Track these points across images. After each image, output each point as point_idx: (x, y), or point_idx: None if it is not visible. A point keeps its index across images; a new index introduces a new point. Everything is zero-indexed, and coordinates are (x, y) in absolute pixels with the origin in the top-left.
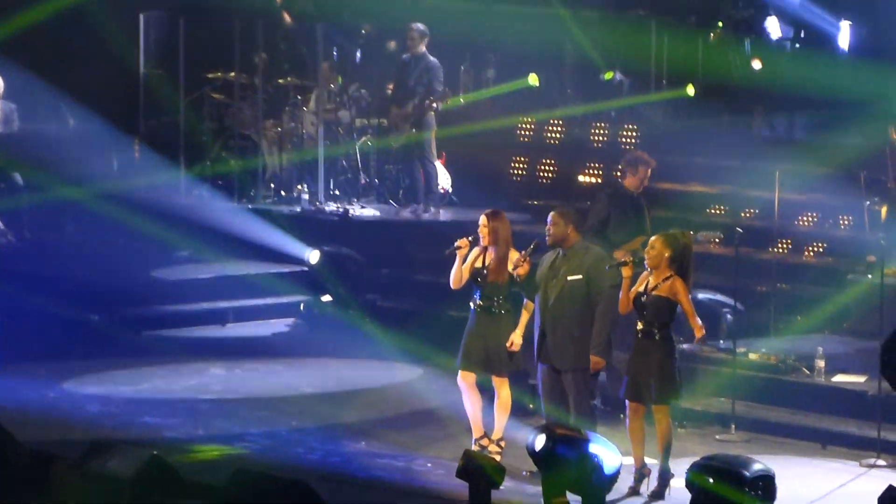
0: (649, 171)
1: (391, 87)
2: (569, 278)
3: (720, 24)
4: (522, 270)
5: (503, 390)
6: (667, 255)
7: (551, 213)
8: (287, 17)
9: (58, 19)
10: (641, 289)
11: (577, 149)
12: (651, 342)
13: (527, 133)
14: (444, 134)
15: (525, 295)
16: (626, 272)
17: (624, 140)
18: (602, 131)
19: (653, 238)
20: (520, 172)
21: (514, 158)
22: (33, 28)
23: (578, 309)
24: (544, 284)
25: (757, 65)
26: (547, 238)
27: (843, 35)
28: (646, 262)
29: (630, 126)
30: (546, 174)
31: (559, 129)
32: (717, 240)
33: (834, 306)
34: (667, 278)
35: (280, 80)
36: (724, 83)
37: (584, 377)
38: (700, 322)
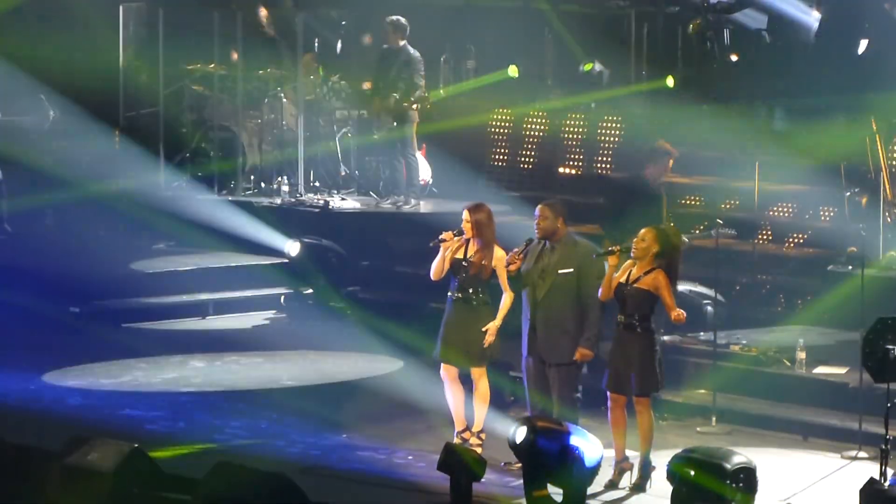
0: (671, 161)
1: (369, 81)
2: (560, 272)
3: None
4: (514, 267)
5: (481, 382)
6: (654, 250)
7: (539, 207)
8: (263, 12)
9: (37, 9)
10: (623, 279)
11: (556, 140)
12: (632, 334)
13: (507, 125)
14: (425, 129)
15: (511, 288)
16: (612, 261)
17: (604, 131)
18: (581, 123)
19: (644, 230)
20: (500, 164)
21: (494, 150)
22: (12, 18)
23: (570, 302)
24: (532, 278)
25: (734, 57)
26: (536, 231)
27: (814, 23)
28: (632, 252)
29: (611, 118)
30: (526, 165)
31: (539, 120)
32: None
33: (815, 297)
34: (649, 271)
35: (260, 72)
36: (704, 74)
37: (570, 371)
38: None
